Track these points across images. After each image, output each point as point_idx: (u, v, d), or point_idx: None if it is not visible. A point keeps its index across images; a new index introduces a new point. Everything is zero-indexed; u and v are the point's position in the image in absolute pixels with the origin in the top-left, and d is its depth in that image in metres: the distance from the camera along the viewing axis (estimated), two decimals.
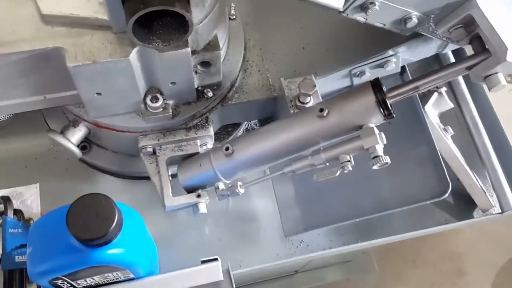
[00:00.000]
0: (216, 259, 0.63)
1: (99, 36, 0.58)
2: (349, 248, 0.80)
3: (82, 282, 0.58)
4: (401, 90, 0.58)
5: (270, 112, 0.79)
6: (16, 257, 0.69)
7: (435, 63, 0.94)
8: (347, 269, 1.49)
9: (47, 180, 0.79)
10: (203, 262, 0.63)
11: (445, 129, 0.83)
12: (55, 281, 0.56)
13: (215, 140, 0.76)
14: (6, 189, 0.77)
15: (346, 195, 0.79)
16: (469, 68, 0.58)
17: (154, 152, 0.71)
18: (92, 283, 0.59)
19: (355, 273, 1.51)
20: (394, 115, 0.58)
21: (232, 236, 0.79)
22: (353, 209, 0.78)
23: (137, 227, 0.58)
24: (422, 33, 0.63)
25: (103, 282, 0.60)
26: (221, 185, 0.68)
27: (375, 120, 0.58)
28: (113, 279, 0.59)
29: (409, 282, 1.64)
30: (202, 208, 0.69)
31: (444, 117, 0.89)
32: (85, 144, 0.77)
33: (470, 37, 0.60)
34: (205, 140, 0.73)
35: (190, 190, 0.70)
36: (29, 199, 0.77)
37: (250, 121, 0.85)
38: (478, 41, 0.59)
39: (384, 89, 0.57)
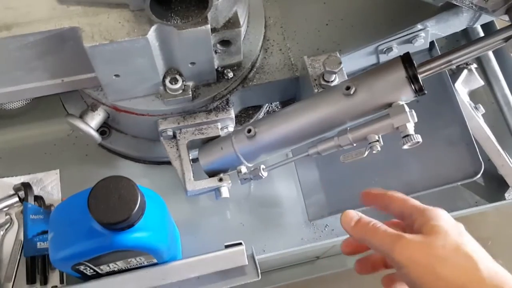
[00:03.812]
0: (240, 244, 0.62)
1: (116, 14, 0.56)
2: None
3: (105, 268, 0.57)
4: (433, 65, 0.55)
5: (292, 93, 0.77)
6: (38, 243, 0.68)
7: (464, 40, 0.89)
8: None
9: (67, 166, 0.78)
10: (227, 246, 0.62)
11: (476, 108, 0.80)
12: (77, 267, 0.55)
13: (236, 123, 0.74)
14: (26, 176, 0.76)
15: (372, 177, 0.77)
16: (506, 39, 0.54)
17: (174, 136, 0.70)
18: (115, 269, 0.58)
19: None
20: (426, 91, 0.55)
21: (255, 221, 0.78)
22: None
23: (159, 211, 0.57)
24: (455, 3, 0.60)
25: (126, 268, 0.59)
26: (243, 169, 0.66)
27: (406, 97, 0.55)
28: (136, 264, 0.58)
29: None
30: (225, 192, 0.67)
31: (474, 95, 0.85)
32: (104, 129, 0.76)
33: (507, 6, 0.56)
34: (226, 123, 0.71)
35: (211, 174, 0.68)
36: (49, 185, 0.76)
37: (271, 104, 0.83)
38: None
39: (415, 63, 0.54)
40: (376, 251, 0.45)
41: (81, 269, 0.56)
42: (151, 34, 0.56)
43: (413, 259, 0.41)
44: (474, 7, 0.59)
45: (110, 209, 0.47)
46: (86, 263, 0.55)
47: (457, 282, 0.39)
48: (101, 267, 0.57)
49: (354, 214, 0.48)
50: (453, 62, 0.56)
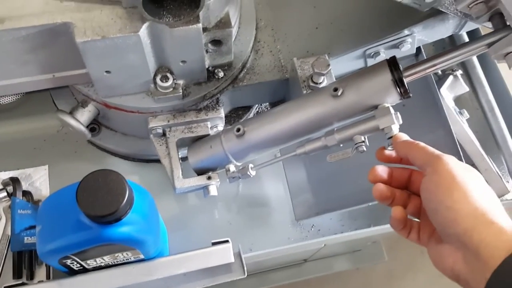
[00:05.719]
0: (227, 241, 0.62)
1: (108, 11, 0.56)
2: (362, 233, 0.79)
3: (92, 262, 0.58)
4: (418, 68, 0.57)
5: (282, 94, 0.78)
6: (25, 238, 0.68)
7: (450, 47, 0.91)
8: (356, 258, 1.48)
9: (56, 162, 0.78)
10: (214, 244, 0.62)
11: (460, 113, 0.81)
12: (64, 261, 0.56)
13: (226, 123, 0.75)
14: (15, 171, 0.76)
15: (359, 178, 0.77)
16: (489, 45, 0.56)
17: (164, 134, 0.70)
18: (102, 264, 0.58)
19: (365, 262, 1.50)
20: (411, 94, 0.56)
21: (243, 220, 0.78)
22: (366, 193, 0.75)
23: (148, 206, 0.57)
24: (440, 9, 0.61)
25: (113, 263, 0.59)
26: (231, 167, 0.67)
27: (391, 99, 0.57)
28: (123, 260, 0.58)
29: (417, 272, 1.63)
30: (213, 190, 0.68)
31: (459, 101, 0.87)
32: (94, 126, 0.76)
33: (490, 14, 0.58)
34: (216, 122, 0.72)
35: (200, 172, 0.69)
36: (38, 181, 0.76)
37: (261, 105, 0.84)
38: (499, 18, 0.57)
39: (401, 67, 0.56)
40: (416, 161, 0.51)
41: (68, 263, 0.57)
42: (143, 31, 0.56)
43: (453, 170, 0.47)
44: (459, 13, 0.61)
45: (98, 202, 0.47)
46: (73, 257, 0.55)
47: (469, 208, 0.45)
48: (88, 261, 0.57)
49: (404, 135, 0.55)
50: (438, 66, 0.57)
